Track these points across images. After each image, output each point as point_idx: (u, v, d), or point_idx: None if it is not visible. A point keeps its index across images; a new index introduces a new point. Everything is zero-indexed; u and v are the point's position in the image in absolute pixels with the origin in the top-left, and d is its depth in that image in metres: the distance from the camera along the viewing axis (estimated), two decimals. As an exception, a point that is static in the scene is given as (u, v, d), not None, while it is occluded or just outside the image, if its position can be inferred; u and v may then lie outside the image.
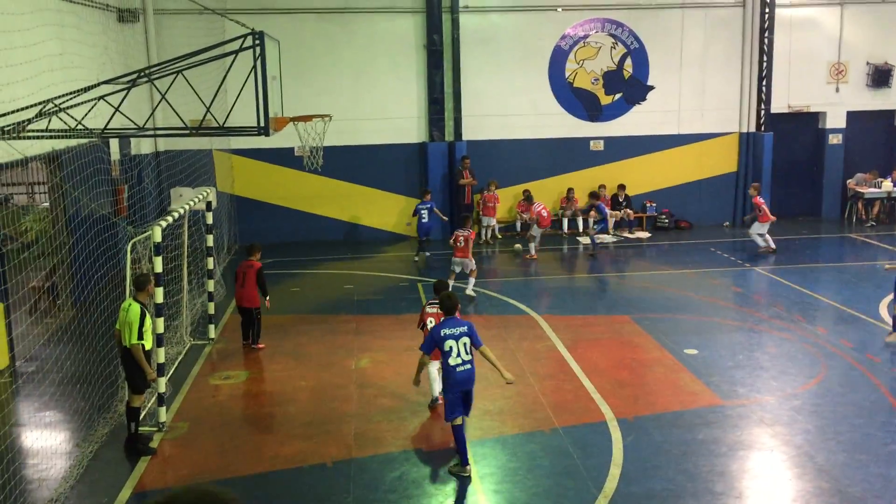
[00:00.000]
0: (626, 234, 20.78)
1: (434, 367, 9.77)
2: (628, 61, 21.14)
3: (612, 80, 21.16)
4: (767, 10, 20.73)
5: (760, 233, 18.11)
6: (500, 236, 20.51)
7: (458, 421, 8.44)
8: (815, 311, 13.96)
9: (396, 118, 20.43)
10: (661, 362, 11.68)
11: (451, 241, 15.33)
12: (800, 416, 9.72)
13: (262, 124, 9.67)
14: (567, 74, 21.00)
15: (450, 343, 8.26)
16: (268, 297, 12.50)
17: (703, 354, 11.88)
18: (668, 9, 20.88)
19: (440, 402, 9.55)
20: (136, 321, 8.91)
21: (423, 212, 18.39)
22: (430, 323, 9.60)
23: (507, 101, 20.78)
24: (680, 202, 21.46)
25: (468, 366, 8.34)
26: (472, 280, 15.05)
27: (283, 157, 19.63)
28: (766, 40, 20.86)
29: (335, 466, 8.74)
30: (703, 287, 16.00)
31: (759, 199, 18.16)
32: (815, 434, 9.25)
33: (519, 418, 9.87)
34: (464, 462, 8.46)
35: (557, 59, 20.89)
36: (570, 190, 21.07)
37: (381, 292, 16.16)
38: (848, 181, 21.89)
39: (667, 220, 21.35)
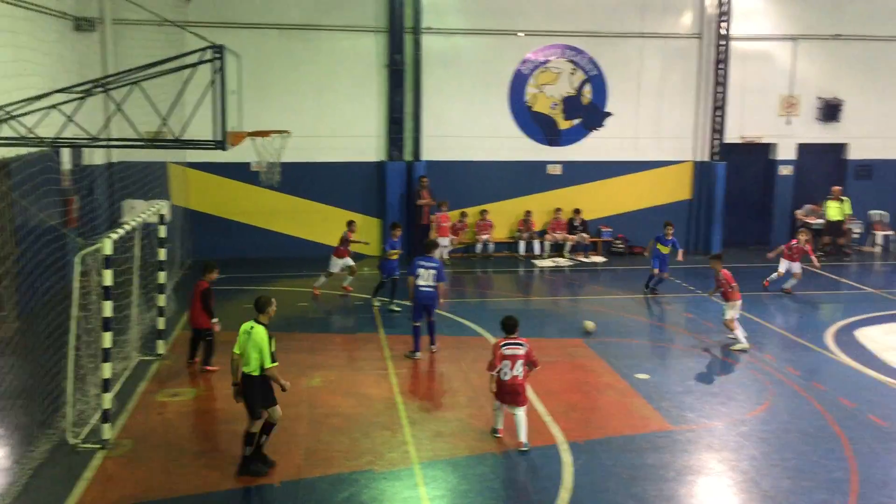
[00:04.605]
0: (582, 259, 20.95)
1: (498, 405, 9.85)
2: (587, 87, 21.42)
3: (571, 105, 21.41)
4: (723, 43, 21.20)
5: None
6: (447, 259, 20.17)
7: (418, 323, 12.64)
8: (763, 338, 14.18)
9: (356, 136, 20.39)
10: (612, 386, 11.77)
11: (722, 285, 13.82)
12: (747, 442, 9.86)
13: (219, 138, 9.59)
14: (527, 98, 21.21)
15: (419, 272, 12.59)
16: (214, 320, 12.03)
17: (655, 379, 11.99)
18: (628, 38, 21.24)
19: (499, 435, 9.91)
20: (266, 344, 8.74)
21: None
22: (506, 366, 9.56)
23: (467, 122, 20.90)
24: (635, 228, 21.71)
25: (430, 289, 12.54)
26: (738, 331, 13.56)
27: (241, 172, 19.43)
28: (721, 72, 21.31)
29: (283, 487, 8.62)
30: (655, 312, 16.20)
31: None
32: (762, 460, 9.38)
33: (471, 440, 9.85)
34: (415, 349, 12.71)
35: (518, 83, 21.10)
36: (527, 213, 21.22)
37: (336, 311, 16.04)
38: (796, 212, 22.38)
39: (622, 246, 21.58)
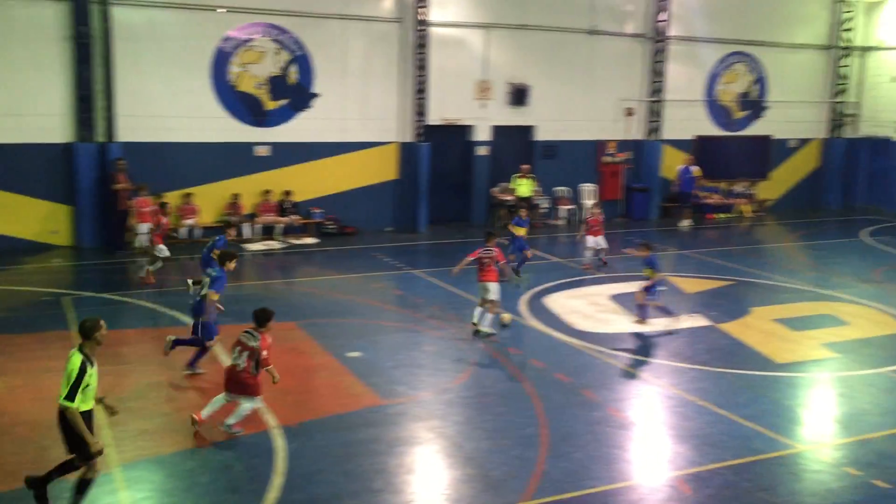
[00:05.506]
0: (293, 241, 20.81)
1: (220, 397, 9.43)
2: (293, 68, 21.21)
3: (276, 85, 21.07)
4: (422, 28, 22.02)
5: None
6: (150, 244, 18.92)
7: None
8: (466, 309, 14.96)
9: (36, 115, 18.45)
10: (325, 367, 11.85)
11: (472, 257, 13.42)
12: (452, 410, 10.42)
13: None
14: (230, 77, 20.52)
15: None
16: None
17: (366, 356, 12.26)
18: (331, 19, 21.31)
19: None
20: (74, 375, 7.12)
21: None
22: (235, 351, 9.52)
23: (168, 101, 19.77)
24: (345, 208, 22.00)
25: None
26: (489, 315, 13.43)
27: None
28: (421, 56, 22.13)
29: (-44, 511, 7.63)
30: (366, 291, 16.54)
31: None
32: (465, 425, 9.97)
33: (178, 435, 9.40)
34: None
35: (220, 62, 20.34)
36: (235, 195, 20.63)
37: (17, 308, 14.49)
38: (492, 189, 24.00)
39: (333, 226, 21.75)
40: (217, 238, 14.68)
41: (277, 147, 21.17)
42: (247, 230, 20.63)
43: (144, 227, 18.64)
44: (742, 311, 15.36)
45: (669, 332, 13.83)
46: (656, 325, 14.10)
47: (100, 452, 7.33)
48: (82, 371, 7.24)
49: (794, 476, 8.98)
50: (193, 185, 20.16)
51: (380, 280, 17.34)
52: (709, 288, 17.16)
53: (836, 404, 11.32)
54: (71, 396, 7.15)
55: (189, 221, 20.02)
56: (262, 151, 21.07)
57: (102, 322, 7.60)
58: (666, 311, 14.19)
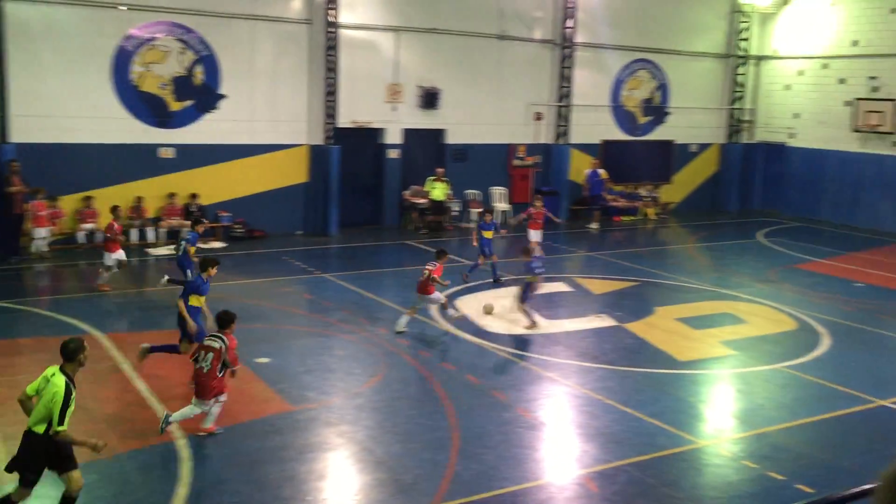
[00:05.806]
0: (200, 245, 20.25)
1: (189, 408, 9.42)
2: (199, 68, 20.71)
3: (182, 86, 20.53)
4: (332, 30, 21.83)
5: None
6: (47, 251, 18.28)
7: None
8: (377, 313, 14.98)
9: (-77, 114, 17.52)
10: (233, 373, 11.60)
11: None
12: (362, 414, 10.36)
13: None
14: (133, 77, 19.89)
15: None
16: None
17: (275, 362, 12.08)
18: (237, 19, 20.91)
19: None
20: (61, 401, 6.87)
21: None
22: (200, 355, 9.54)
23: (66, 101, 19.03)
24: (254, 211, 21.61)
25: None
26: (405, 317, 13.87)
27: None
28: (331, 58, 21.93)
29: None
30: (276, 295, 16.28)
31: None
32: (376, 429, 9.93)
33: (76, 449, 9.01)
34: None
35: (122, 61, 19.68)
36: (138, 199, 20.01)
37: None
38: (404, 192, 23.99)
39: (241, 230, 21.33)
40: (188, 236, 14.48)
41: (183, 149, 20.62)
42: (151, 234, 20.03)
43: (41, 232, 18.01)
44: (647, 311, 15.80)
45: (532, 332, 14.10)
46: (540, 327, 14.29)
47: (105, 444, 7.48)
48: (68, 394, 7.13)
49: (696, 470, 9.30)
50: (93, 188, 19.45)
51: (289, 284, 17.10)
52: (615, 289, 17.60)
53: (734, 400, 11.79)
54: (62, 421, 7.09)
55: (89, 226, 19.29)
56: (166, 153, 20.50)
57: (86, 343, 7.46)
58: (529, 313, 14.33)
